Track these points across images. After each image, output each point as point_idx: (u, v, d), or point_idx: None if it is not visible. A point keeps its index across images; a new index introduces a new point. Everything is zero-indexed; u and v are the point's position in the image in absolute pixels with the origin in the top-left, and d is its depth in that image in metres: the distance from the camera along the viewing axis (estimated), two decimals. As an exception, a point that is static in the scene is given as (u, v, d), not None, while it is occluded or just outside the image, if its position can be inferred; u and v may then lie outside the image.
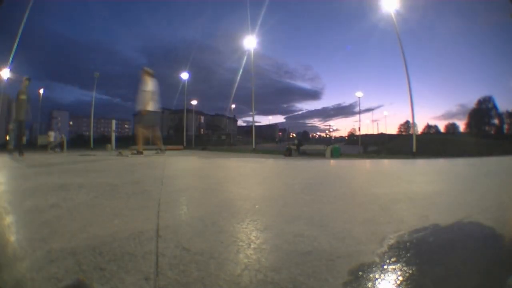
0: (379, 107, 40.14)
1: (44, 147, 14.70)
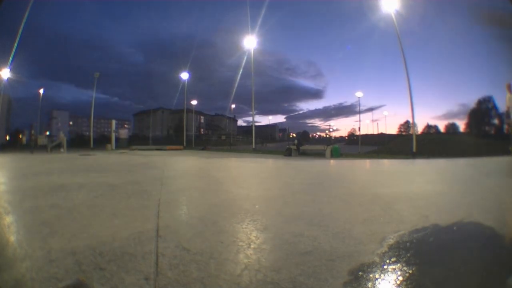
0: (381, 106, 39.78)
1: (44, 147, 14.74)
